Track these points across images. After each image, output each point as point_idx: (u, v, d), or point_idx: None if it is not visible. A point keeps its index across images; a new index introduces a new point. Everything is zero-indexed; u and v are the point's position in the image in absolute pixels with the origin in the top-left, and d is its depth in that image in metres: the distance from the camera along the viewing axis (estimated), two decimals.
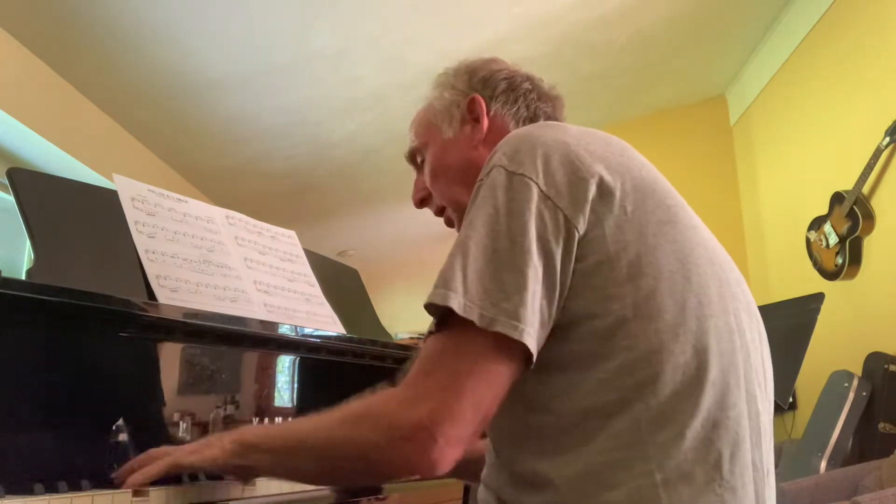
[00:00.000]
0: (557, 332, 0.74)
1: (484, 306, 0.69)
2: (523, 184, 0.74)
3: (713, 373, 0.73)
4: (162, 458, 0.86)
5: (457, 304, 0.70)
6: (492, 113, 0.99)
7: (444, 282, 0.72)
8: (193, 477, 0.94)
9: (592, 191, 0.74)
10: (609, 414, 0.71)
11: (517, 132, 0.82)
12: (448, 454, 0.69)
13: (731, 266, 0.84)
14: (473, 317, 0.69)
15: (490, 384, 0.71)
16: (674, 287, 0.74)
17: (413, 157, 1.08)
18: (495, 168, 0.77)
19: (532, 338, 0.70)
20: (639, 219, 0.76)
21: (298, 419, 0.81)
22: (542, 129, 0.83)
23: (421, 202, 1.08)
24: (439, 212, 1.07)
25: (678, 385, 0.71)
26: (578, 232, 0.73)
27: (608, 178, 0.76)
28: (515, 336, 0.69)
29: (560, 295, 0.73)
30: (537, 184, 0.74)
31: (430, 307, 0.72)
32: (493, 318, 0.69)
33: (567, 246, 0.73)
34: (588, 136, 0.83)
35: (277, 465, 0.82)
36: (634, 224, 0.75)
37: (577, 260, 0.73)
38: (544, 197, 0.73)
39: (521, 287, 0.70)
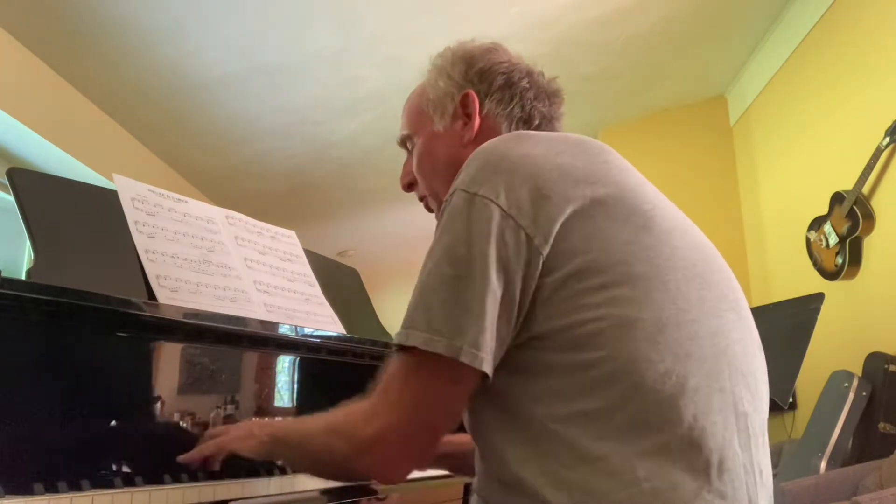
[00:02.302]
0: (535, 342, 0.74)
1: (451, 337, 0.71)
2: (484, 205, 0.74)
3: (695, 379, 0.72)
4: (214, 437, 0.96)
5: (420, 340, 0.72)
6: (485, 111, 0.96)
7: (408, 321, 0.75)
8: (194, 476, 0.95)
9: (558, 207, 0.74)
10: (591, 422, 0.71)
11: (483, 148, 0.81)
12: (401, 468, 0.77)
13: (718, 266, 0.83)
14: (440, 350, 0.71)
15: (442, 404, 0.75)
16: (650, 294, 0.73)
17: (404, 143, 1.07)
18: (457, 192, 0.77)
19: (489, 363, 0.72)
20: (610, 228, 0.75)
21: (312, 417, 0.88)
22: (508, 144, 0.81)
23: (408, 186, 1.07)
24: (423, 198, 1.06)
25: (659, 393, 0.71)
26: (542, 251, 0.72)
27: (576, 191, 0.75)
28: (476, 365, 0.71)
29: (519, 313, 0.74)
30: (498, 204, 0.74)
31: (398, 347, 0.75)
32: (459, 348, 0.71)
33: (529, 265, 0.73)
34: (560, 145, 0.81)
35: (293, 461, 0.93)
36: (605, 234, 0.74)
37: (543, 275, 0.73)
38: (506, 216, 0.73)
39: (480, 315, 0.71)
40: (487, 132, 0.95)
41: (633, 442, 0.70)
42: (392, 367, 0.77)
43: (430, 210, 1.06)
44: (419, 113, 1.03)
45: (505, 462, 0.76)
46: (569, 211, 0.74)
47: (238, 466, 1.01)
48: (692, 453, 0.70)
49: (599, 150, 0.84)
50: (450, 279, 0.73)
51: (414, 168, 1.03)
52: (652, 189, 0.83)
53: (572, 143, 0.83)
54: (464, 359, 0.70)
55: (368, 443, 0.75)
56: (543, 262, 0.72)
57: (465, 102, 0.97)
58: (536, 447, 0.74)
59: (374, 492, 1.14)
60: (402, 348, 0.74)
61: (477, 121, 0.96)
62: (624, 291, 0.72)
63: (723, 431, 0.73)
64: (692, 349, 0.73)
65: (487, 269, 0.72)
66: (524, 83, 0.98)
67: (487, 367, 0.71)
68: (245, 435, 0.93)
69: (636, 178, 0.83)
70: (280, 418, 1.20)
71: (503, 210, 0.73)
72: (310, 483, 1.08)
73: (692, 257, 0.79)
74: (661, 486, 0.69)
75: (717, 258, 0.84)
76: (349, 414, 0.80)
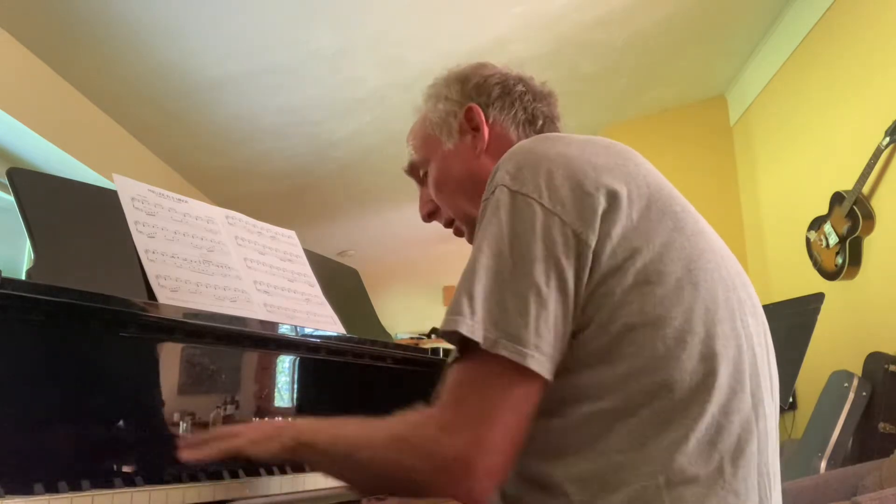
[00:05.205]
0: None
1: (487, 329, 0.70)
2: (526, 204, 0.74)
3: (720, 378, 0.73)
4: (226, 438, 0.89)
5: (465, 327, 0.71)
6: (490, 120, 0.99)
7: (453, 308, 0.73)
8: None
9: (599, 203, 0.74)
10: (615, 418, 0.72)
11: (519, 147, 0.82)
12: (485, 484, 0.71)
13: (738, 270, 0.84)
14: (478, 338, 0.70)
15: (517, 411, 0.72)
16: (681, 294, 0.74)
17: (415, 171, 1.08)
18: (498, 187, 0.77)
19: (538, 360, 0.70)
20: (645, 227, 0.76)
21: (352, 422, 0.82)
22: (544, 144, 0.82)
23: (429, 216, 1.08)
24: (448, 223, 1.07)
25: (685, 391, 0.71)
26: (590, 244, 0.73)
27: (613, 188, 0.76)
28: (518, 360, 0.69)
29: (575, 308, 0.73)
30: (541, 203, 0.74)
31: (444, 335, 0.73)
32: (496, 341, 0.70)
33: (580, 260, 0.73)
34: (591, 146, 0.82)
35: (329, 468, 0.85)
36: (641, 232, 0.75)
37: (593, 269, 0.73)
38: (550, 214, 0.73)
39: (522, 311, 0.71)
40: (498, 139, 0.97)
41: (655, 437, 0.71)
42: (459, 374, 0.74)
43: (459, 234, 1.06)
44: (425, 139, 1.04)
45: (524, 455, 0.76)
46: (608, 206, 0.74)
47: (238, 466, 1.01)
48: (709, 450, 0.71)
49: (628, 152, 0.85)
50: (493, 273, 0.73)
51: (433, 193, 1.04)
52: (677, 191, 0.84)
53: (601, 145, 0.84)
54: (504, 352, 0.69)
55: (449, 460, 0.70)
56: (593, 255, 0.73)
57: (469, 116, 0.99)
58: (558, 442, 0.74)
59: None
60: (462, 355, 0.73)
61: (486, 130, 0.98)
62: (656, 290, 0.73)
63: (740, 431, 0.74)
64: (718, 349, 0.74)
65: (531, 266, 0.71)
66: (520, 87, 1.01)
67: (533, 364, 0.70)
68: (262, 438, 0.88)
69: (663, 180, 0.84)
70: (290, 419, 1.19)
71: (547, 208, 0.73)
72: (310, 482, 1.08)
73: (717, 260, 0.80)
74: (677, 481, 0.70)
75: (736, 263, 0.85)
76: (420, 426, 0.75)
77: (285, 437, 0.86)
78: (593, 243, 0.73)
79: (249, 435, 0.89)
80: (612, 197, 0.75)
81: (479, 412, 0.71)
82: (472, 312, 0.71)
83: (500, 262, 0.73)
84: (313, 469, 0.93)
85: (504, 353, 0.69)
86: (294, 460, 0.89)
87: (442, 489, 0.74)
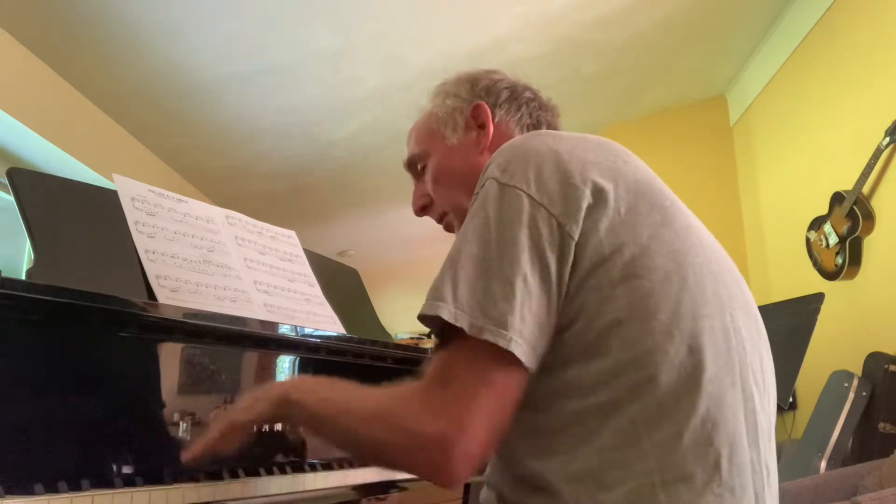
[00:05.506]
0: (554, 334, 0.75)
1: (473, 314, 0.71)
2: (514, 195, 0.75)
3: (709, 372, 0.73)
4: (216, 424, 0.90)
5: (447, 313, 0.71)
6: (496, 120, 1.01)
7: (435, 293, 0.74)
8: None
9: (585, 197, 0.75)
10: (606, 414, 0.72)
11: (511, 143, 0.83)
12: (462, 469, 0.71)
13: (729, 266, 0.84)
14: (463, 324, 0.70)
15: (500, 397, 0.72)
16: (669, 288, 0.74)
17: (413, 164, 1.09)
18: (488, 180, 0.78)
19: (521, 346, 0.71)
20: (633, 221, 0.76)
21: (342, 386, 0.83)
22: (534, 139, 0.83)
23: (422, 210, 1.09)
24: (440, 218, 1.08)
25: (674, 385, 0.72)
26: (573, 238, 0.73)
27: (601, 183, 0.77)
28: (503, 345, 0.70)
29: (558, 300, 0.74)
30: (528, 194, 0.75)
31: (423, 318, 0.74)
32: (482, 327, 0.70)
33: (562, 251, 0.73)
34: (581, 143, 0.84)
35: (313, 427, 0.87)
36: (629, 226, 0.76)
37: (575, 262, 0.74)
38: (537, 205, 0.74)
39: (508, 296, 0.71)
40: (502, 138, 0.98)
41: (647, 433, 0.71)
42: (442, 358, 0.74)
43: (450, 230, 1.07)
44: (429, 133, 1.06)
45: (519, 455, 0.77)
46: (594, 200, 0.75)
47: (238, 466, 1.01)
48: (704, 446, 0.71)
49: (619, 149, 0.87)
50: (478, 260, 0.73)
51: (430, 187, 1.05)
52: (667, 187, 0.85)
53: (593, 142, 0.85)
54: (489, 337, 0.70)
55: (428, 442, 0.70)
56: (575, 248, 0.73)
57: (476, 114, 1.02)
58: (551, 440, 0.74)
59: (382, 489, 1.14)
60: (447, 339, 0.73)
61: (491, 128, 1.01)
62: (644, 284, 0.73)
63: (733, 427, 0.74)
64: (707, 343, 0.74)
65: (517, 255, 0.72)
66: (527, 94, 1.05)
67: (517, 349, 0.70)
68: (250, 402, 0.88)
69: (653, 176, 0.85)
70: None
71: (534, 199, 0.75)
72: (310, 483, 1.08)
73: (706, 255, 0.80)
74: (672, 478, 0.69)
75: (727, 259, 0.85)
76: (404, 404, 0.74)
77: (273, 394, 0.86)
78: (577, 236, 0.74)
79: (238, 406, 0.90)
80: (599, 192, 0.76)
81: (463, 396, 0.71)
82: (455, 299, 0.72)
83: (486, 249, 0.74)
84: (298, 426, 0.94)
85: (489, 337, 0.70)
86: (282, 419, 0.91)
87: (418, 468, 0.74)
